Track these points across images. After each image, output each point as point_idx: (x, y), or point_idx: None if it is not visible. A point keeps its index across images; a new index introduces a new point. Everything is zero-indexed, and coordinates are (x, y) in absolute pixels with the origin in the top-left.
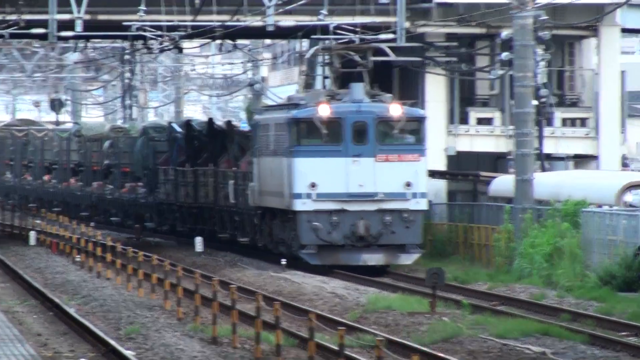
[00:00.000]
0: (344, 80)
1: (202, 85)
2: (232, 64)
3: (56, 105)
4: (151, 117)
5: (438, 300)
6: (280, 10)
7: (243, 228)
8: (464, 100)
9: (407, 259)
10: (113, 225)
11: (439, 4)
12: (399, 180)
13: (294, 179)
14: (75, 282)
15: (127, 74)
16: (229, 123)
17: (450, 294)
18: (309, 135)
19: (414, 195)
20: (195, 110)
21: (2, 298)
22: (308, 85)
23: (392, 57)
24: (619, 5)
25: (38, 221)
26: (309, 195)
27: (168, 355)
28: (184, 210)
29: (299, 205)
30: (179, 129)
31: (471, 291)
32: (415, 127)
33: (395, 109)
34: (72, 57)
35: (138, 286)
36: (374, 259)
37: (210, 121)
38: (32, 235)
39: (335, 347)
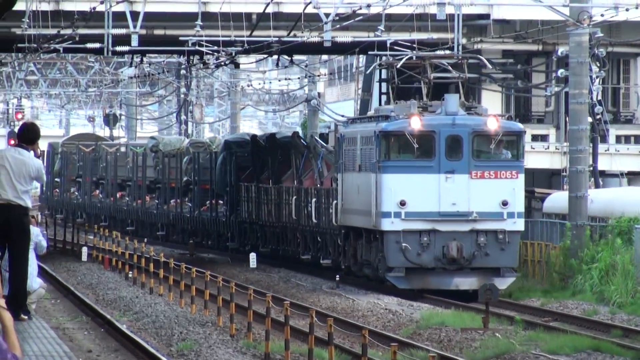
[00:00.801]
0: (400, 94)
1: (258, 100)
2: (289, 79)
3: (110, 120)
4: (207, 133)
5: (491, 317)
6: (338, 26)
7: (325, 249)
8: (519, 116)
9: (502, 284)
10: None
11: (496, 21)
12: (494, 198)
13: (382, 197)
14: (127, 298)
15: (183, 89)
16: (312, 137)
17: (504, 310)
18: (398, 149)
19: (511, 215)
20: (252, 126)
21: (52, 314)
22: (365, 102)
23: (489, 67)
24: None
25: (91, 237)
26: (397, 214)
27: None
28: (267, 229)
29: (387, 224)
30: (263, 142)
31: (524, 307)
32: (513, 141)
33: (492, 123)
34: (128, 72)
35: (191, 302)
36: (466, 283)
37: (296, 135)
38: (85, 251)
39: None
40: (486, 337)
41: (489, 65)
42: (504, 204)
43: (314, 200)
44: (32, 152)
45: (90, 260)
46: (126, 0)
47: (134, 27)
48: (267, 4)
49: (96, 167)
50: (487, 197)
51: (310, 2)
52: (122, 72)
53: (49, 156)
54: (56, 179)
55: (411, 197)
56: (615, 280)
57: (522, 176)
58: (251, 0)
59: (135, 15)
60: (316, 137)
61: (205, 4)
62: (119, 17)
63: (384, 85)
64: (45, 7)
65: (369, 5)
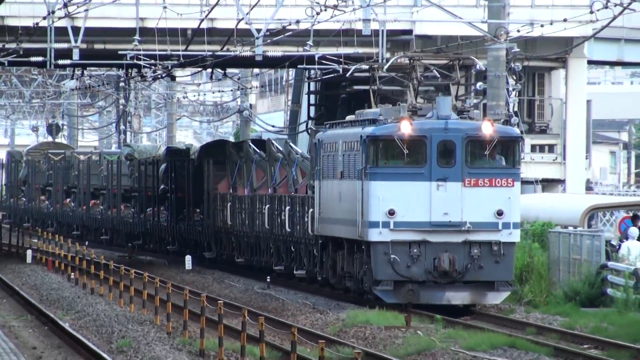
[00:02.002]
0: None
1: (193, 111)
2: (222, 91)
3: (53, 130)
4: (145, 142)
5: (413, 316)
6: (268, 41)
7: (300, 260)
8: None
9: (496, 298)
10: (169, 254)
11: (418, 36)
12: (489, 208)
13: (369, 205)
14: (69, 298)
15: (122, 101)
16: (286, 143)
17: (425, 310)
18: (387, 155)
19: (506, 225)
20: (187, 136)
21: (0, 313)
22: (294, 113)
23: (479, 65)
24: (587, 38)
25: (35, 240)
26: (386, 224)
27: None
28: (241, 239)
29: (374, 235)
30: (233, 151)
31: (444, 307)
32: (509, 147)
33: (487, 127)
34: (69, 84)
35: (129, 302)
36: (458, 297)
37: (269, 142)
38: (29, 253)
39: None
40: (408, 334)
41: (483, 67)
42: (499, 213)
43: (287, 208)
44: None
45: (34, 262)
46: (67, 16)
47: (75, 41)
48: (202, 20)
49: (67, 175)
50: (481, 206)
51: (242, 19)
52: (64, 84)
53: (8, 164)
54: (22, 187)
55: (400, 206)
56: (530, 281)
57: (518, 184)
58: (186, 16)
59: (76, 30)
60: (291, 143)
61: (142, 20)
62: (61, 32)
63: (312, 96)
64: None
65: (298, 21)
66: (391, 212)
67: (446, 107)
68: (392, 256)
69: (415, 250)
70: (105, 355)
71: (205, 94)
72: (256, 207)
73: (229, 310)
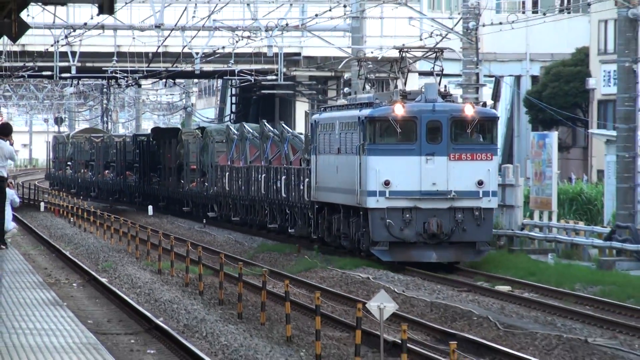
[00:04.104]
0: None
1: (153, 108)
2: (172, 94)
3: (58, 121)
4: (120, 130)
5: (302, 247)
6: (204, 60)
7: (294, 220)
8: None
9: (477, 257)
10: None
11: (305, 57)
12: (471, 179)
13: (368, 177)
14: (69, 234)
15: (105, 101)
16: (281, 124)
17: (313, 243)
18: (383, 134)
19: (486, 193)
20: (150, 125)
21: (22, 245)
22: (221, 109)
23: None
24: (418, 58)
25: (47, 195)
26: (382, 193)
27: (129, 280)
28: (238, 202)
29: (372, 202)
30: (235, 131)
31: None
32: (488, 127)
33: (469, 109)
34: (69, 90)
35: (110, 237)
36: (445, 256)
37: (262, 124)
38: (42, 205)
39: (237, 275)
40: (299, 258)
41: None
42: (480, 183)
43: (283, 177)
44: (7, 141)
45: (46, 211)
46: (68, 44)
47: (73, 61)
48: (158, 47)
49: (107, 153)
50: (465, 177)
51: (186, 45)
52: (65, 90)
53: (55, 145)
54: (68, 163)
55: (395, 177)
56: None
57: (496, 158)
58: (148, 44)
59: (73, 53)
60: (284, 124)
61: (119, 46)
62: (63, 55)
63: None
64: (15, 48)
65: (223, 47)
66: (387, 183)
67: (433, 92)
68: (387, 221)
69: (407, 216)
70: (94, 273)
71: (161, 96)
72: (252, 176)
73: (178, 243)
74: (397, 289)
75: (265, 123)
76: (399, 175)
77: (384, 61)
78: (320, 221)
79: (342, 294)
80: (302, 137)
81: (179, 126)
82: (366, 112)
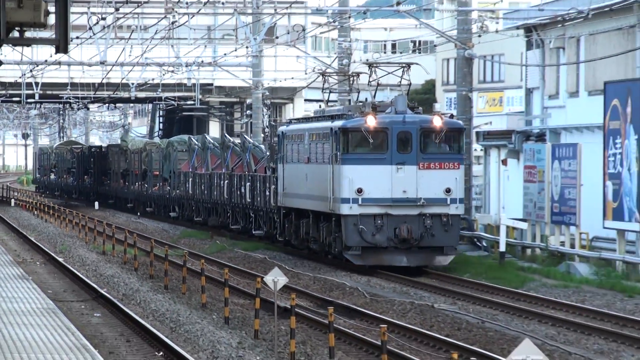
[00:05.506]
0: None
1: (98, 126)
2: (114, 115)
3: (25, 136)
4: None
5: (215, 234)
6: (138, 89)
7: (257, 222)
8: (231, 135)
9: (445, 260)
10: (150, 214)
11: (216, 86)
12: (439, 186)
13: (342, 185)
14: (34, 224)
15: (61, 121)
16: (241, 136)
17: (225, 231)
18: (355, 144)
19: (453, 200)
20: (96, 138)
21: None
22: (152, 127)
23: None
24: (303, 87)
25: (16, 193)
26: (355, 200)
27: (80, 260)
28: (200, 205)
29: (346, 209)
30: (196, 142)
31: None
32: (455, 137)
33: (437, 120)
34: (33, 111)
35: (65, 226)
36: (414, 260)
37: (223, 136)
38: (13, 201)
39: (163, 255)
40: (212, 243)
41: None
42: (448, 191)
43: (248, 184)
44: None
45: (16, 206)
46: (32, 76)
47: (37, 89)
48: (103, 78)
49: (86, 161)
50: (433, 185)
51: (124, 77)
52: (30, 112)
53: (40, 155)
54: (52, 170)
55: (367, 185)
56: None
57: (462, 167)
58: (94, 76)
59: (37, 84)
60: (245, 135)
61: (72, 78)
62: (29, 85)
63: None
64: None
65: (153, 79)
66: (359, 190)
67: (403, 104)
68: (360, 227)
69: (379, 222)
70: (52, 254)
71: (105, 117)
72: (214, 182)
73: (118, 230)
74: (287, 266)
75: (226, 135)
76: (371, 183)
77: (343, 75)
78: (287, 225)
79: (245, 270)
80: (263, 147)
81: (119, 140)
82: (339, 123)
